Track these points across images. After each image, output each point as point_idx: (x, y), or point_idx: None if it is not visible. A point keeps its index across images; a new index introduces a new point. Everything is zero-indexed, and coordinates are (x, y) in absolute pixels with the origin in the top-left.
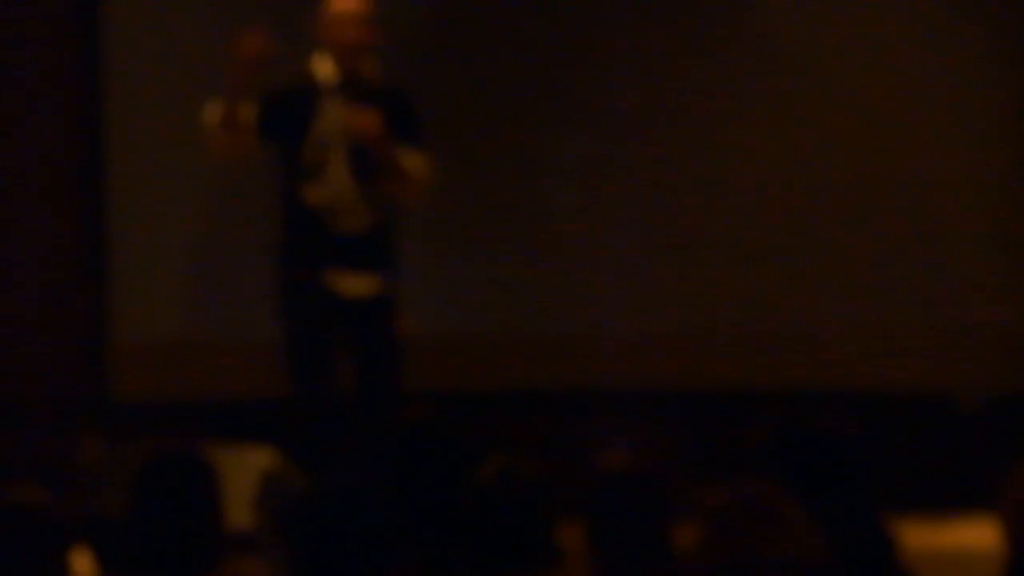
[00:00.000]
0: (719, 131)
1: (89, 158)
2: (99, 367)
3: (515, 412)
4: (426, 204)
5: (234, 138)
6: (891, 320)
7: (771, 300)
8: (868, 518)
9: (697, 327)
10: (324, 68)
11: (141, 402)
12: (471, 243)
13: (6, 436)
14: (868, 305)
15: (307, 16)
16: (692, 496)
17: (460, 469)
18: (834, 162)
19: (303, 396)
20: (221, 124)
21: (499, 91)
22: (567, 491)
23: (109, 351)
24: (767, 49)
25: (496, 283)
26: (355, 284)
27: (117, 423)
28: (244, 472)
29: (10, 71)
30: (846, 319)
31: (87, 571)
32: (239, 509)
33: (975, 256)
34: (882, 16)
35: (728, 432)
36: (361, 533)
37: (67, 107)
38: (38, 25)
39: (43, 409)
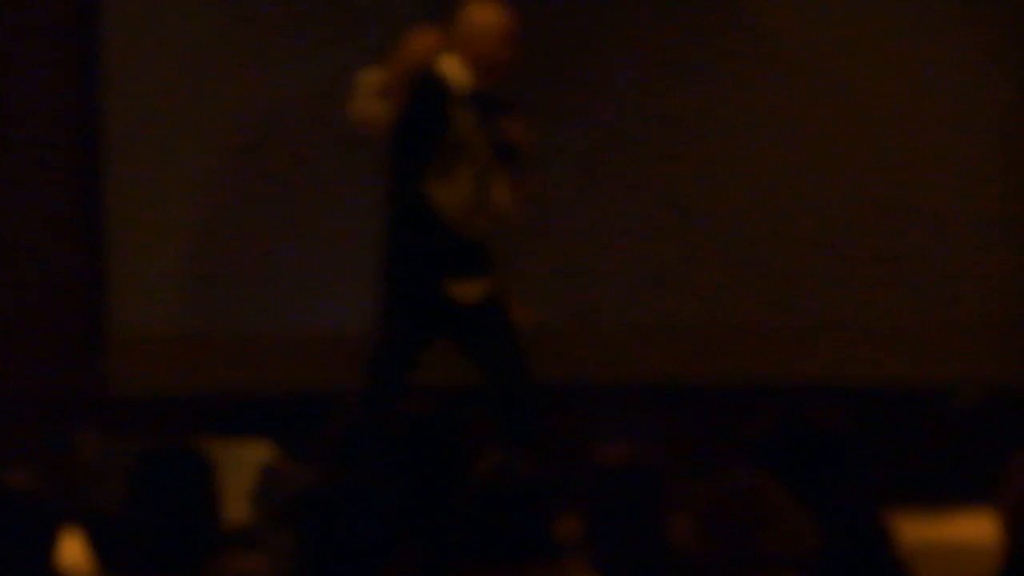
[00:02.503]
0: (718, 125)
1: (87, 151)
2: (97, 361)
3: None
4: None
5: (379, 110)
6: (888, 314)
7: (769, 294)
8: (864, 512)
9: (695, 321)
10: (459, 75)
11: (139, 396)
12: None
13: (4, 429)
14: (865, 299)
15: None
16: (689, 489)
17: (457, 463)
18: (832, 157)
19: (379, 395)
20: (378, 91)
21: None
22: (565, 485)
23: (107, 345)
24: (768, 44)
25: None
26: (470, 290)
27: (115, 417)
28: (242, 466)
29: (8, 67)
30: (843, 313)
31: (83, 564)
32: (237, 503)
33: (973, 251)
34: (884, 14)
35: (726, 425)
36: (360, 527)
37: (65, 101)
38: (36, 20)
39: (40, 402)
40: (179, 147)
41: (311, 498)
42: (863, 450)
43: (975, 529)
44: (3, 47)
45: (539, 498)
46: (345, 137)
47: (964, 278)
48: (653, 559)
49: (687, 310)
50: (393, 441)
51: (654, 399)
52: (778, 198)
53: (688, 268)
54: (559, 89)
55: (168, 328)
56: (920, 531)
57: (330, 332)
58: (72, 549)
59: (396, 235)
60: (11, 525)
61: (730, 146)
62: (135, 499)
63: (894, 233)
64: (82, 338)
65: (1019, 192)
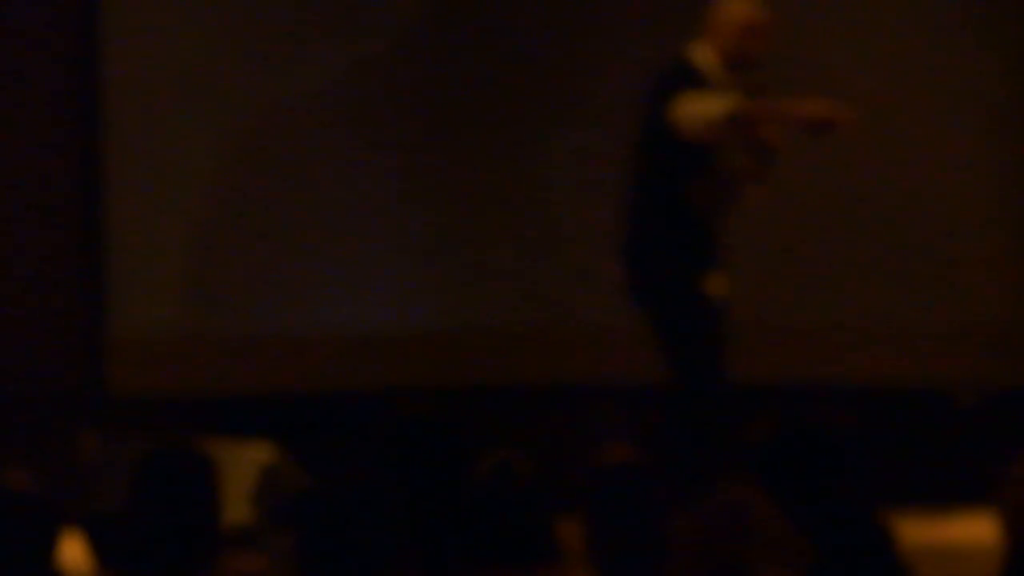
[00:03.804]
0: None
1: (87, 150)
2: (97, 361)
3: (513, 407)
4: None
5: (719, 136)
6: (889, 316)
7: (769, 294)
8: (864, 513)
9: None
10: (711, 69)
11: (139, 396)
12: (466, 237)
13: (4, 429)
14: (865, 301)
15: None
16: (689, 492)
17: (458, 464)
18: (834, 158)
19: (689, 390)
20: (730, 121)
21: (494, 84)
22: (566, 487)
23: (107, 345)
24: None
25: (492, 277)
26: (719, 285)
27: (115, 417)
28: (243, 467)
29: (8, 68)
30: (844, 315)
31: (83, 565)
32: (238, 504)
33: (974, 253)
34: (885, 16)
35: (727, 426)
36: (361, 528)
37: (64, 98)
38: (36, 20)
39: (41, 403)
40: (179, 148)
41: (311, 499)
42: (862, 451)
43: (975, 530)
44: (3, 46)
45: (539, 500)
46: (347, 138)
47: (965, 280)
48: (653, 562)
49: None
50: (393, 442)
51: (656, 400)
52: (777, 199)
53: None
54: (555, 89)
55: (169, 329)
56: (920, 532)
57: (331, 333)
58: (72, 550)
59: (651, 231)
60: (11, 525)
61: None
62: (136, 500)
63: (895, 234)
64: (83, 338)
65: (1020, 195)
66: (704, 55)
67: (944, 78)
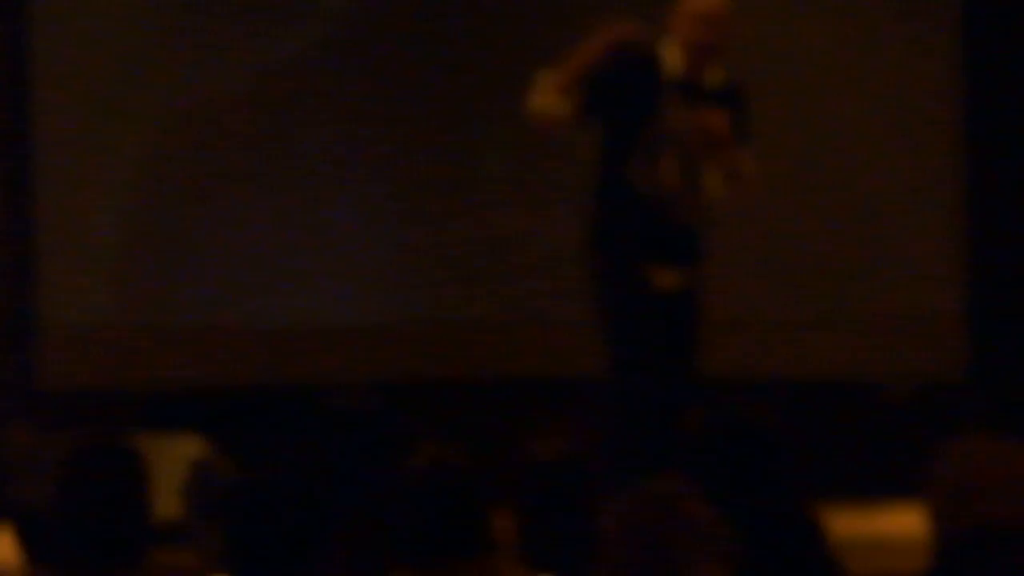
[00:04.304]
0: None
1: (15, 140)
2: (25, 354)
3: (448, 400)
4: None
5: (557, 106)
6: (819, 309)
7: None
8: (793, 506)
9: None
10: (672, 61)
11: (68, 389)
12: (398, 232)
13: None
14: (796, 294)
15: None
16: (620, 485)
17: (392, 457)
18: (771, 151)
19: (620, 381)
20: (560, 120)
21: (442, 81)
22: (500, 479)
23: (36, 337)
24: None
25: (428, 271)
26: (667, 278)
27: (43, 411)
28: (172, 461)
29: None
30: (775, 308)
31: (12, 559)
32: (167, 498)
33: (905, 247)
34: (823, 18)
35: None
36: (291, 521)
37: None
38: None
39: None
40: (109, 139)
41: (241, 493)
42: (793, 444)
43: (904, 522)
44: None
45: (473, 493)
46: (282, 130)
47: (895, 274)
48: (584, 553)
49: None
50: (326, 435)
51: (589, 393)
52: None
53: None
54: (501, 81)
55: (97, 322)
56: (849, 525)
57: (262, 326)
58: (1, 544)
59: (599, 219)
60: None
61: None
62: (64, 494)
63: (825, 228)
64: (10, 331)
65: (952, 189)
66: (669, 48)
67: (883, 76)
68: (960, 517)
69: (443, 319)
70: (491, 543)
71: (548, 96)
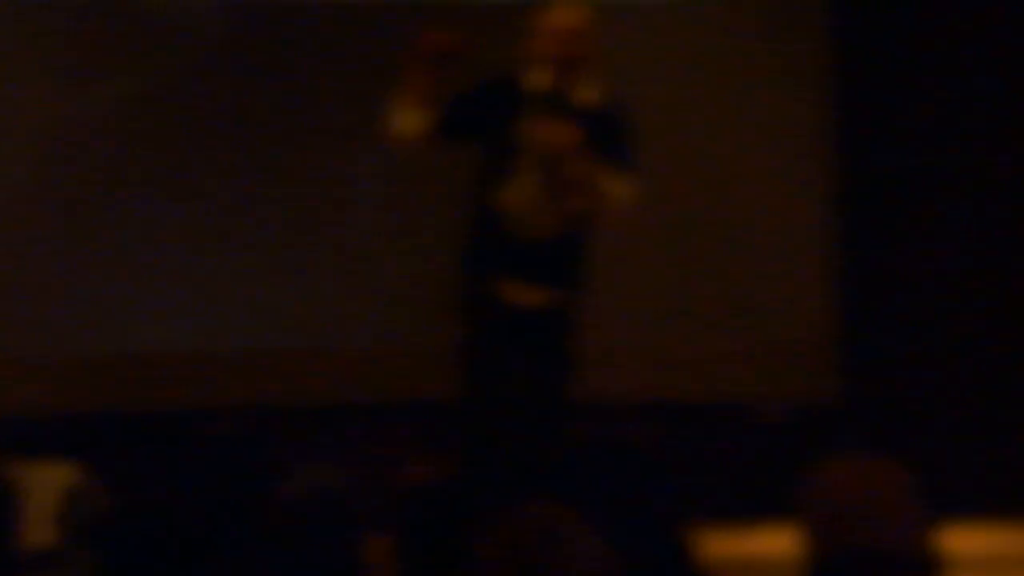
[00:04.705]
0: None
1: None
2: None
3: (322, 425)
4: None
5: (415, 122)
6: (693, 332)
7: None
8: (667, 528)
9: None
10: (535, 77)
11: None
12: (273, 258)
13: None
14: (670, 317)
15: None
16: (494, 510)
17: (265, 483)
18: (645, 182)
19: (476, 404)
20: (418, 137)
21: (310, 107)
22: (375, 503)
23: None
24: None
25: (300, 297)
26: (529, 296)
27: None
28: (45, 488)
29: None
30: (647, 331)
31: None
32: (40, 525)
33: (775, 271)
34: (689, 44)
35: (531, 443)
36: (165, 548)
37: None
38: None
39: None
40: None
41: (114, 519)
42: (667, 467)
43: (777, 543)
44: None
45: (348, 517)
46: (148, 159)
47: (768, 298)
48: None
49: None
50: (199, 460)
51: (459, 417)
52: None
53: None
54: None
55: None
56: (723, 545)
57: (133, 352)
58: None
59: (466, 239)
60: None
61: None
62: None
63: (702, 253)
64: None
65: (824, 216)
66: (532, 72)
67: (749, 104)
68: (832, 538)
69: (316, 345)
70: (366, 568)
71: (405, 115)
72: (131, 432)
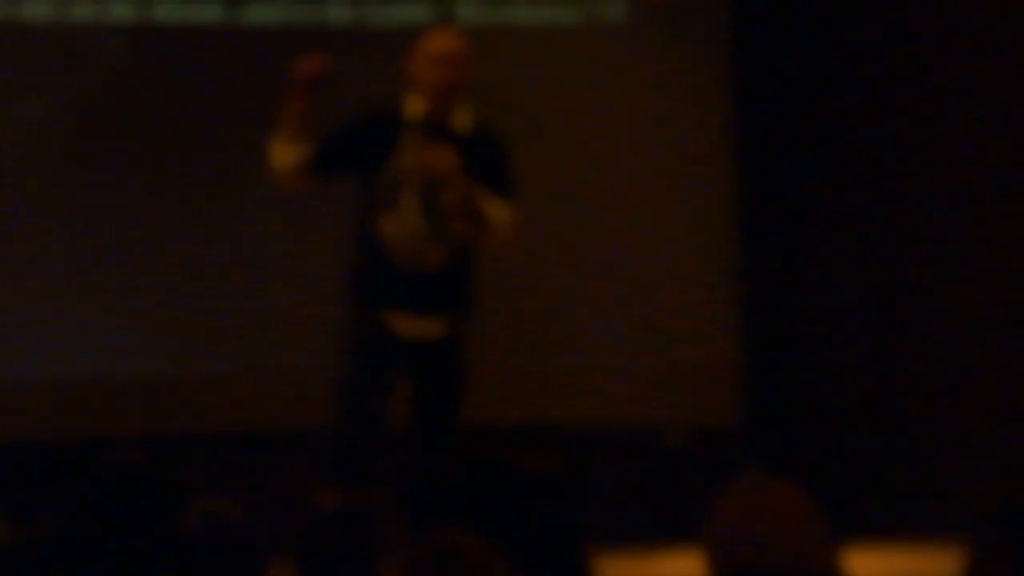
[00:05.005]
0: None
1: None
2: None
3: (221, 454)
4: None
5: (303, 180)
6: (599, 357)
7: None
8: (567, 553)
9: None
10: (412, 104)
11: None
12: (173, 283)
13: None
14: (576, 342)
15: None
16: (401, 540)
17: (167, 512)
18: (552, 203)
19: (347, 434)
20: (294, 171)
21: (206, 142)
22: (276, 533)
23: None
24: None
25: (200, 322)
26: (416, 326)
27: None
28: None
29: None
30: (554, 355)
31: None
32: None
33: (681, 296)
34: (592, 66)
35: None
36: None
37: None
38: None
39: None
40: None
41: (15, 552)
42: (567, 491)
43: (682, 567)
44: None
45: (250, 546)
46: (61, 183)
47: (673, 323)
48: None
49: None
50: (98, 491)
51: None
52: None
53: None
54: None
55: None
56: (628, 570)
57: (33, 381)
58: None
59: (350, 269)
60: None
61: None
62: None
63: (607, 276)
64: None
65: (725, 238)
66: (410, 99)
67: (655, 127)
68: (735, 561)
69: (216, 372)
70: None
71: (281, 150)
72: (28, 463)
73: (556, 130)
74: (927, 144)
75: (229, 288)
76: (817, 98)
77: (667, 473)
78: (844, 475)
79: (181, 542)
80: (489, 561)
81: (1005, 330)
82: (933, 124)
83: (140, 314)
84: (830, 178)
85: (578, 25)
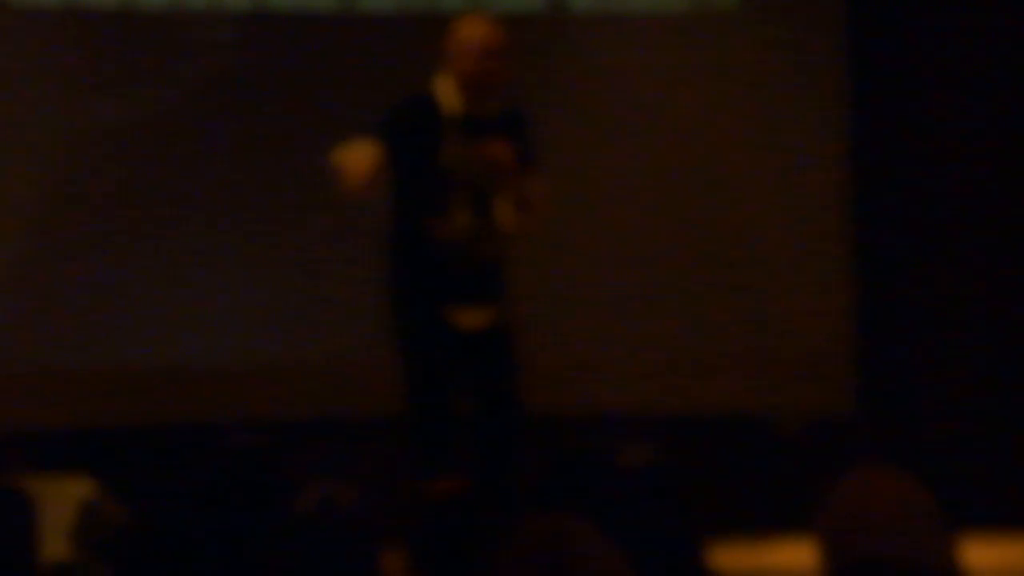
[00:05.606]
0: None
1: None
2: None
3: (336, 439)
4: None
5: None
6: (710, 344)
7: (583, 326)
8: (682, 542)
9: None
10: (448, 95)
11: None
12: (292, 271)
13: None
14: (688, 330)
15: None
16: (511, 524)
17: (278, 497)
18: (660, 193)
19: (424, 430)
20: (369, 177)
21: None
22: (389, 518)
23: None
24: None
25: (316, 310)
26: (474, 318)
27: None
28: (61, 502)
29: None
30: (666, 344)
31: None
32: (56, 539)
33: (791, 284)
34: (707, 52)
35: (542, 458)
36: (180, 563)
37: None
38: None
39: None
40: None
41: (130, 534)
42: (686, 480)
43: (795, 556)
44: None
45: (362, 531)
46: (161, 175)
47: (784, 311)
48: None
49: None
50: (214, 476)
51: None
52: (616, 229)
53: None
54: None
55: None
56: (741, 559)
57: (152, 366)
58: None
59: (399, 268)
60: None
61: (574, 183)
62: None
63: (723, 266)
64: None
65: (842, 225)
66: (445, 86)
67: (781, 133)
68: (849, 551)
69: (333, 358)
70: None
71: (358, 157)
72: (146, 446)
73: (668, 119)
74: None
75: (344, 282)
76: (937, 89)
77: (781, 462)
78: (960, 465)
79: (296, 526)
80: (599, 546)
81: None
82: None
83: (255, 305)
84: (949, 166)
85: (690, 13)
